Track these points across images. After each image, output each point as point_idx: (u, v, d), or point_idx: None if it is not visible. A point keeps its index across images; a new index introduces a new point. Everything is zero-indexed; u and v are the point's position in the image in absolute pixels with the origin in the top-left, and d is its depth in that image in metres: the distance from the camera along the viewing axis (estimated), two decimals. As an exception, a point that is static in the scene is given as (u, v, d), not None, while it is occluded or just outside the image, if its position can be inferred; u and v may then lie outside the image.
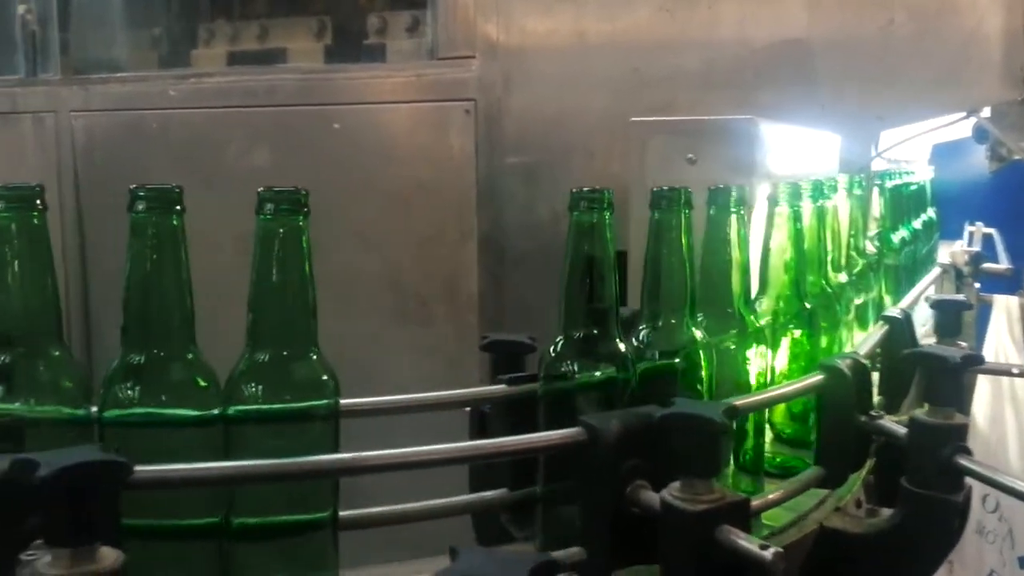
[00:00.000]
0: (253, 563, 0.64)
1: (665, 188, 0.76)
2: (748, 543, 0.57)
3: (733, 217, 0.81)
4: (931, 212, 1.85)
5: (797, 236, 0.93)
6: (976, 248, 1.76)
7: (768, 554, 0.56)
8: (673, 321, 0.77)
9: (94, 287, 1.77)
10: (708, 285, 0.82)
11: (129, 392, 0.61)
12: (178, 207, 0.62)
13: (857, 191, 1.23)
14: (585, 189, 0.73)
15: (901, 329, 0.99)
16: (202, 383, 0.63)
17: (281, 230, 0.64)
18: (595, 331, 0.73)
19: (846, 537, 0.80)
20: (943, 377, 0.78)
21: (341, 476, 0.64)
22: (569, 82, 1.62)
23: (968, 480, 0.78)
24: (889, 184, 1.46)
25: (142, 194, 0.61)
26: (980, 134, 1.58)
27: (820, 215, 0.99)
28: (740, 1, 1.53)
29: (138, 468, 0.47)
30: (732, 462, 0.81)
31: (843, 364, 0.81)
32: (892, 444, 0.82)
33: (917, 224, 1.66)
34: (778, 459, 0.94)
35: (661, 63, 1.57)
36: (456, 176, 1.61)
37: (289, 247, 0.64)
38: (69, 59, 1.82)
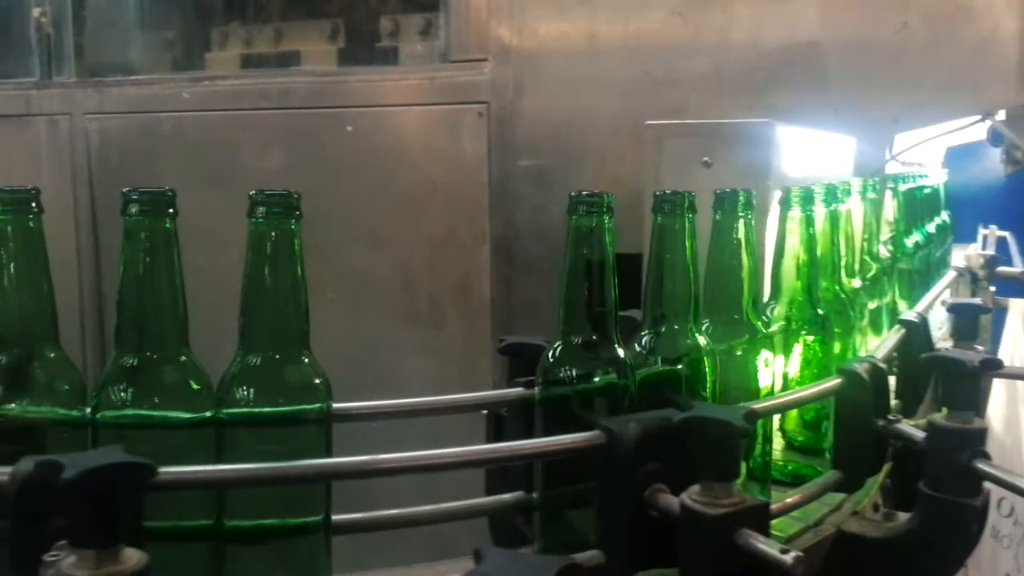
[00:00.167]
0: (245, 566, 0.64)
1: (668, 192, 0.76)
2: (768, 547, 0.57)
3: (740, 221, 0.80)
4: (945, 216, 1.84)
5: (810, 240, 0.92)
6: (991, 251, 1.75)
7: (789, 558, 0.56)
8: (676, 327, 0.76)
9: (108, 289, 1.78)
10: (715, 290, 0.81)
11: (122, 394, 0.62)
12: (171, 210, 0.62)
13: (871, 195, 1.22)
14: (584, 193, 0.72)
15: (918, 333, 0.99)
16: (194, 386, 0.63)
17: (273, 233, 0.64)
18: (594, 336, 0.72)
19: (864, 541, 0.80)
20: (962, 381, 0.78)
21: (360, 478, 0.64)
22: (581, 85, 1.62)
23: (985, 484, 0.77)
24: (903, 187, 1.45)
25: (135, 198, 0.62)
26: (995, 137, 1.57)
27: (833, 219, 0.99)
28: (754, 4, 1.53)
29: (162, 470, 0.47)
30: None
31: (861, 368, 0.81)
32: (909, 448, 0.82)
33: (931, 228, 1.65)
34: (790, 467, 0.93)
35: (673, 66, 1.57)
36: (468, 179, 1.62)
37: (281, 250, 0.64)
38: (84, 62, 1.82)
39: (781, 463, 0.93)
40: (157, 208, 0.62)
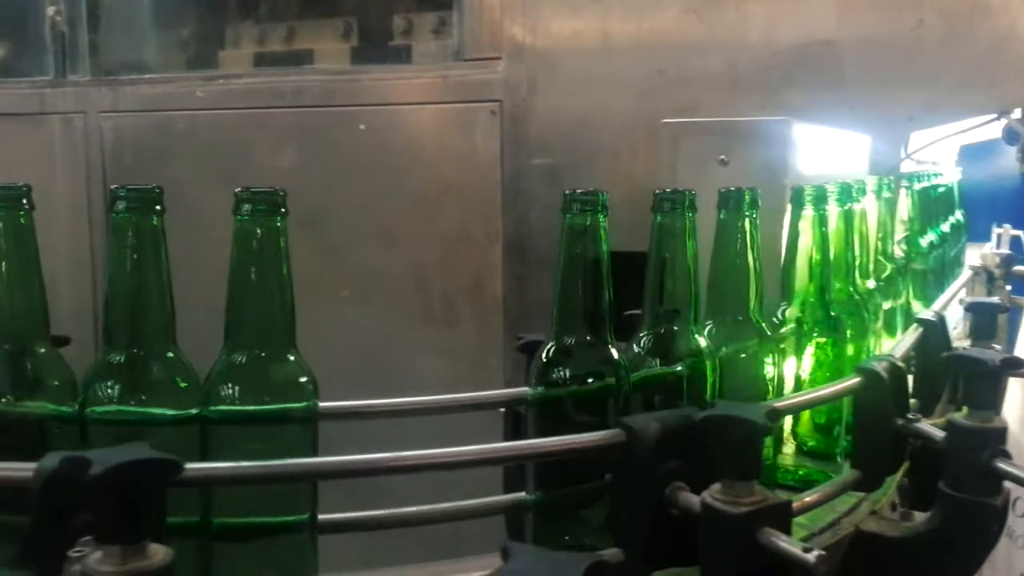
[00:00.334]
0: (232, 564, 0.65)
1: (668, 190, 0.75)
2: (791, 545, 0.57)
3: (745, 220, 0.79)
4: (959, 215, 1.83)
5: (822, 240, 0.91)
6: (1005, 250, 1.74)
7: (812, 557, 0.56)
8: (676, 328, 0.75)
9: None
10: (719, 291, 0.80)
11: (108, 390, 0.62)
12: (158, 207, 0.63)
13: (886, 193, 1.21)
14: (578, 191, 0.72)
15: (935, 332, 0.99)
16: (181, 383, 0.64)
17: (258, 231, 0.64)
18: (587, 336, 0.72)
19: (883, 541, 0.80)
20: (982, 380, 0.78)
21: (378, 476, 0.64)
22: (594, 83, 1.62)
23: (1005, 484, 0.77)
24: (917, 186, 1.45)
25: (122, 194, 0.62)
26: (1011, 135, 1.56)
27: (847, 218, 0.97)
28: (768, 2, 1.52)
29: (188, 466, 0.47)
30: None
31: (880, 367, 0.81)
32: (927, 447, 0.82)
33: (945, 227, 1.64)
34: (801, 472, 0.92)
35: (687, 65, 1.56)
36: (481, 177, 1.62)
37: (266, 248, 0.64)
38: (98, 61, 1.83)
39: (792, 468, 0.91)
40: (144, 205, 0.62)
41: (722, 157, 1.01)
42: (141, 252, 0.62)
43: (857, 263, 1.03)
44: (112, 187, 0.62)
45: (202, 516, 0.63)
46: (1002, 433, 0.77)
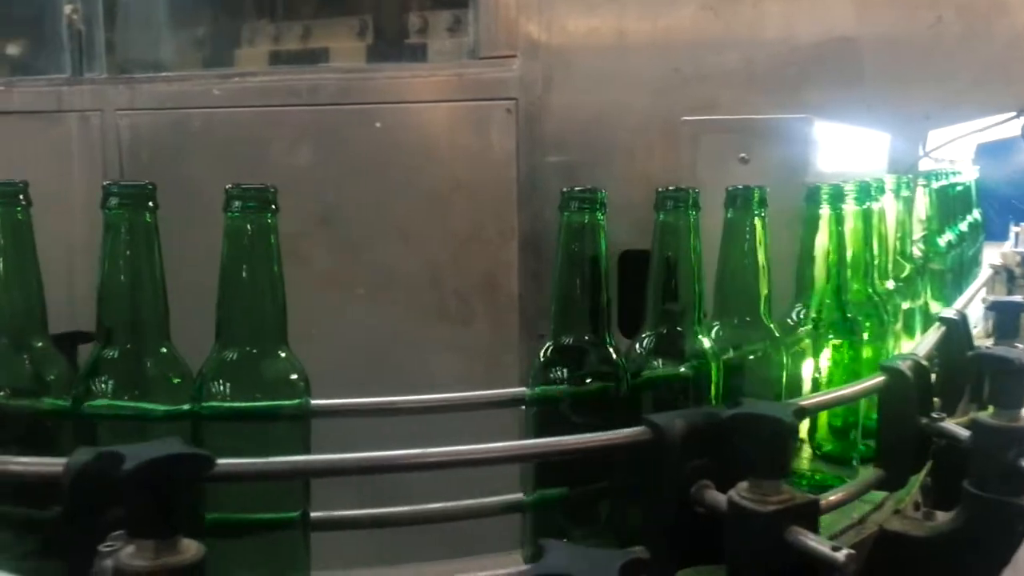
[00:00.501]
0: (222, 559, 0.64)
1: (671, 188, 0.74)
2: (819, 544, 0.57)
3: (754, 219, 0.77)
4: (976, 213, 1.82)
5: (838, 239, 0.89)
6: (1023, 249, 1.73)
7: (841, 555, 0.55)
8: (679, 328, 0.74)
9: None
10: (726, 291, 0.78)
11: (102, 385, 0.63)
12: (150, 204, 0.63)
13: (904, 192, 1.21)
14: (576, 188, 0.71)
15: (958, 331, 0.98)
16: (174, 379, 0.64)
17: (249, 227, 0.63)
18: (586, 336, 0.71)
19: (907, 540, 0.79)
20: (1008, 379, 0.77)
21: (403, 472, 0.64)
22: (611, 81, 1.61)
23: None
24: (935, 184, 1.44)
25: (115, 191, 0.62)
26: (1030, 134, 1.55)
27: (865, 217, 0.96)
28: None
29: (220, 461, 0.48)
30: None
31: (904, 366, 0.80)
32: (950, 446, 0.81)
33: (963, 226, 1.63)
34: (817, 476, 0.91)
35: (704, 62, 1.56)
36: (497, 175, 1.61)
37: (257, 245, 0.64)
38: (115, 58, 1.83)
39: (808, 472, 0.90)
40: (137, 201, 0.62)
41: (742, 155, 1.01)
42: (134, 248, 0.63)
43: (876, 263, 1.02)
44: (104, 183, 0.63)
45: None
46: (1028, 432, 0.76)
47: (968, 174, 1.84)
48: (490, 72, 1.62)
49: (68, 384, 0.65)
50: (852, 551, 0.56)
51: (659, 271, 0.74)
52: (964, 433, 0.78)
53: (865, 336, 0.94)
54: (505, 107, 1.61)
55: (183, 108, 1.73)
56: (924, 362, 0.83)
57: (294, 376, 0.65)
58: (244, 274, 0.64)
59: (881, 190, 1.04)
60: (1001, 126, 1.60)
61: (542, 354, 0.72)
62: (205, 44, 1.98)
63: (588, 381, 0.72)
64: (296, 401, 0.65)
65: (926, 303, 1.25)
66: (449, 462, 0.62)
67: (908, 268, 1.19)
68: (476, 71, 1.64)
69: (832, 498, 0.76)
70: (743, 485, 0.60)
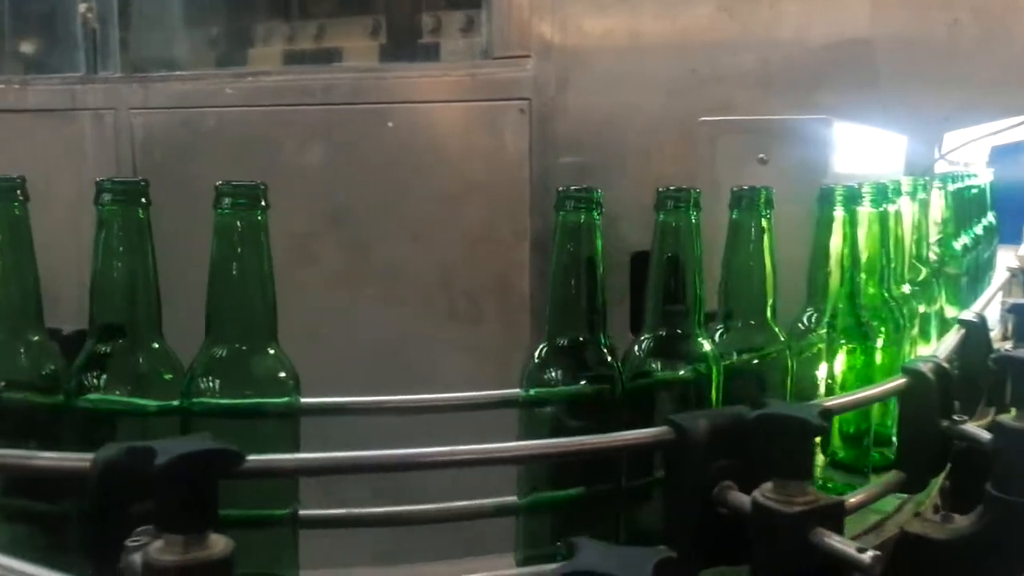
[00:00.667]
0: None
1: (671, 188, 0.73)
2: (845, 545, 0.57)
3: (760, 220, 0.76)
4: (991, 216, 1.81)
5: (852, 242, 0.88)
6: (1041, 252, 1.72)
7: (867, 557, 0.55)
8: (680, 330, 0.73)
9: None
10: (730, 294, 0.78)
11: (94, 380, 0.63)
12: (143, 200, 0.63)
13: (921, 195, 1.20)
14: (572, 188, 0.70)
15: (977, 333, 0.98)
16: (165, 375, 0.64)
17: (238, 224, 0.63)
18: (581, 337, 0.70)
19: (928, 543, 0.79)
20: (1032, 382, 0.77)
21: (421, 470, 0.64)
22: (624, 82, 1.61)
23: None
24: (951, 187, 1.43)
25: (108, 187, 0.62)
26: (1047, 136, 1.55)
27: (880, 220, 0.95)
28: (802, 0, 1.52)
29: (250, 457, 0.47)
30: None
31: (925, 368, 0.80)
32: (970, 449, 0.81)
33: (978, 229, 1.62)
34: (829, 485, 0.89)
35: (719, 63, 1.55)
36: (509, 175, 1.61)
37: (246, 242, 0.64)
38: (128, 57, 1.84)
39: (821, 481, 0.88)
40: (130, 197, 0.62)
41: (761, 156, 1.00)
42: (127, 244, 0.63)
43: (892, 267, 1.01)
44: (96, 180, 0.63)
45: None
46: (1051, 435, 0.76)
47: (983, 176, 1.83)
48: (503, 72, 1.62)
49: (62, 379, 0.66)
50: (878, 552, 0.55)
51: (659, 271, 0.73)
52: (985, 435, 0.78)
53: (880, 341, 0.93)
54: (518, 107, 1.60)
55: (196, 107, 1.73)
56: (945, 364, 0.82)
57: (282, 374, 0.65)
58: (233, 271, 0.64)
59: (897, 192, 1.03)
60: (1017, 128, 1.60)
61: (536, 354, 0.72)
62: (219, 43, 1.99)
63: (583, 382, 0.71)
64: (285, 399, 0.65)
65: (941, 308, 1.23)
66: (466, 460, 0.62)
67: (924, 272, 1.17)
68: (489, 71, 1.64)
69: (853, 500, 0.75)
70: (767, 486, 0.60)
